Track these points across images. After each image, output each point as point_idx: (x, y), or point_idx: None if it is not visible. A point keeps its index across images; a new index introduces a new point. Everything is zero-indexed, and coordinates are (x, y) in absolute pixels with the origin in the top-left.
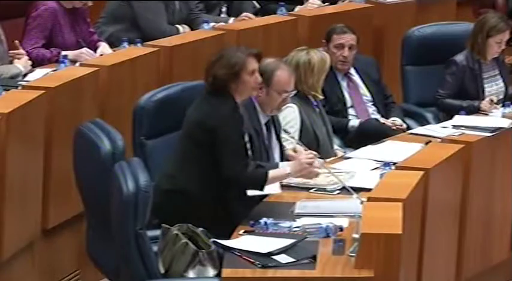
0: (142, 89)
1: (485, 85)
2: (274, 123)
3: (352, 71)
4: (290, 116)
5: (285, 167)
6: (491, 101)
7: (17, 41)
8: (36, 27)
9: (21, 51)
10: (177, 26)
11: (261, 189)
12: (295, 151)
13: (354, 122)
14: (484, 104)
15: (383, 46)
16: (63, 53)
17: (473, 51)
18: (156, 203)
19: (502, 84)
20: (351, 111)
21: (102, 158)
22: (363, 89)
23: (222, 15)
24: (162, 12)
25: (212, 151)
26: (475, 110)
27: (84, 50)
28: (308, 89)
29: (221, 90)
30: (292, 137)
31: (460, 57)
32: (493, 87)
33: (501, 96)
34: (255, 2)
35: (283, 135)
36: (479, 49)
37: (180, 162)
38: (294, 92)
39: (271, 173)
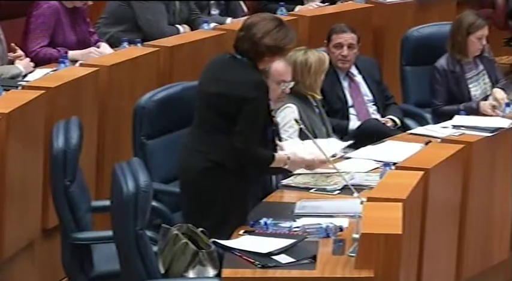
0: (142, 89)
1: (470, 85)
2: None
3: (355, 71)
4: (289, 116)
5: (286, 153)
6: (494, 106)
7: (13, 44)
8: (40, 25)
9: (21, 52)
10: (177, 26)
11: (264, 171)
12: None
13: (353, 125)
14: (485, 107)
15: (383, 46)
16: (71, 52)
17: (454, 52)
18: (193, 184)
19: (487, 80)
20: (351, 110)
21: (53, 155)
22: (365, 89)
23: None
24: (162, 12)
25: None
26: (474, 112)
27: (93, 49)
28: (305, 89)
29: (253, 58)
30: (308, 130)
31: (440, 62)
32: (479, 85)
33: (489, 93)
34: (242, 4)
35: (287, 128)
36: (460, 48)
37: (208, 136)
38: (292, 83)
39: (277, 156)
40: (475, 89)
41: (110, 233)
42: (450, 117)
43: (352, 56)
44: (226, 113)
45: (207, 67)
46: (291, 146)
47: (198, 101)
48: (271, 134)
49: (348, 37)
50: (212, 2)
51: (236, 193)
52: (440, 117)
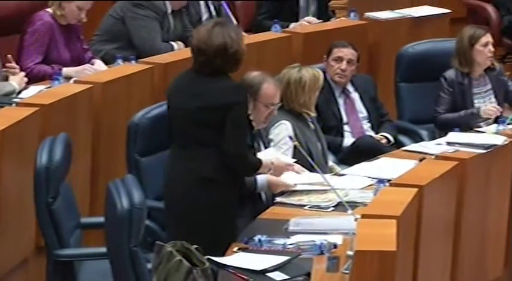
0: (136, 106)
1: (475, 101)
2: (261, 137)
3: (351, 88)
4: (283, 133)
5: (270, 158)
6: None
7: (9, 56)
8: (34, 42)
9: (15, 65)
10: (172, 43)
11: (251, 175)
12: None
13: (347, 142)
14: (487, 109)
15: (377, 63)
16: (65, 69)
17: (462, 66)
18: (188, 203)
19: (493, 99)
20: (346, 127)
21: (36, 172)
22: (360, 106)
23: None
24: (156, 30)
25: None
26: (476, 117)
27: (87, 66)
28: (300, 107)
29: (223, 69)
30: (302, 147)
31: (449, 72)
32: (485, 102)
33: None
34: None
35: (281, 145)
36: (467, 61)
37: (197, 153)
38: (280, 104)
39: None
40: (479, 106)
41: (93, 250)
42: (448, 127)
43: (350, 72)
44: (212, 124)
45: (175, 86)
46: (272, 153)
47: (176, 121)
48: (250, 140)
49: (349, 52)
50: (205, 18)
51: (229, 206)
52: (441, 125)
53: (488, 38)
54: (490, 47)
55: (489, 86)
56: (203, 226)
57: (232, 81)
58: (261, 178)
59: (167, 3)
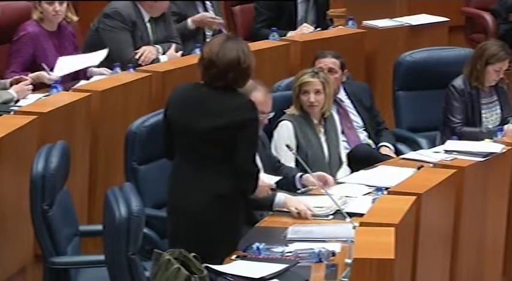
0: (134, 115)
1: (483, 111)
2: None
3: (343, 97)
4: (282, 132)
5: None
6: None
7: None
8: (15, 52)
9: (27, 77)
10: (159, 57)
11: (253, 192)
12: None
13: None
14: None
15: (375, 71)
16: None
17: (471, 78)
18: (202, 221)
19: (499, 111)
20: (341, 137)
21: (32, 180)
22: (354, 115)
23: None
24: (125, 40)
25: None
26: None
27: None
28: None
29: (234, 84)
30: (294, 154)
31: (458, 82)
32: (491, 113)
33: (497, 123)
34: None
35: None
36: (477, 76)
37: (211, 170)
38: (272, 114)
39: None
40: (486, 116)
41: (88, 257)
42: (471, 139)
43: (333, 80)
44: (226, 143)
45: (180, 101)
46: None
47: (182, 137)
48: None
49: (328, 62)
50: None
51: (240, 221)
52: (461, 137)
53: (504, 64)
54: (501, 74)
55: (495, 97)
56: (217, 242)
57: (244, 98)
58: (279, 196)
59: (143, 10)
